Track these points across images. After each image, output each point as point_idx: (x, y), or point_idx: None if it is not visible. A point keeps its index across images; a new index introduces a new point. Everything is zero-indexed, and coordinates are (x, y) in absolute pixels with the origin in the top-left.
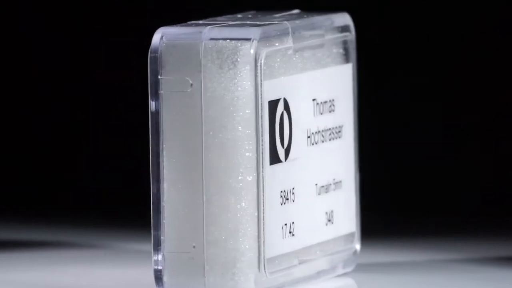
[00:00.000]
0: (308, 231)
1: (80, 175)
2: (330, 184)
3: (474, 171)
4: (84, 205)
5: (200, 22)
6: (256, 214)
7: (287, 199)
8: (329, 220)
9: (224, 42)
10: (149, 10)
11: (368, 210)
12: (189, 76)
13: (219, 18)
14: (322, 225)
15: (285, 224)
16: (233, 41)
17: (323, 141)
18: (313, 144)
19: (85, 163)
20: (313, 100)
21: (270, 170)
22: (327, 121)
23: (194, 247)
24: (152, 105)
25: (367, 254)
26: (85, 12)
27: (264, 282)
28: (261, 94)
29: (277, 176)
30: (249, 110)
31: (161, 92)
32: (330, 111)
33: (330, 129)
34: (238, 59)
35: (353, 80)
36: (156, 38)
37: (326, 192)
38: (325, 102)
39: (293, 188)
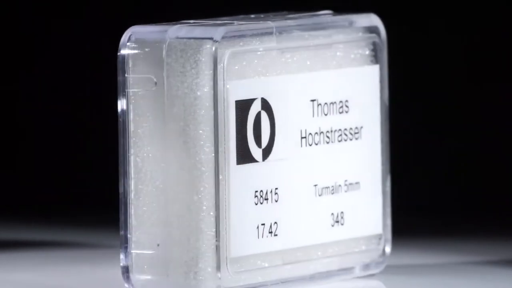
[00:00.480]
0: (302, 232)
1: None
2: (340, 186)
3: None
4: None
5: (182, 22)
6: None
7: (266, 199)
8: (337, 222)
9: (188, 41)
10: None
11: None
12: (154, 75)
13: (220, 18)
14: (325, 226)
15: (263, 224)
16: (197, 40)
17: (328, 142)
18: (311, 145)
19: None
20: (312, 100)
21: (237, 170)
22: (336, 122)
23: (158, 245)
24: (119, 104)
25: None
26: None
27: (230, 281)
28: (225, 94)
29: (249, 176)
30: (212, 110)
31: (128, 90)
32: (341, 112)
33: (340, 130)
34: (202, 58)
35: (381, 81)
36: (125, 37)
37: (333, 193)
38: (333, 103)
39: (276, 188)
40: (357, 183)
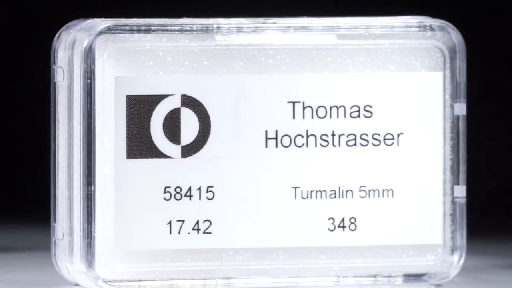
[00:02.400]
0: (267, 232)
1: None
2: (349, 191)
3: None
4: None
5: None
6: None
7: (189, 196)
8: (341, 227)
9: (80, 34)
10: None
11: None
12: (65, 67)
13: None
14: (317, 230)
15: (179, 221)
16: (83, 33)
17: (325, 146)
18: (287, 147)
19: None
20: (291, 102)
21: (131, 165)
22: (342, 126)
23: (63, 234)
24: (51, 95)
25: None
26: None
27: (124, 273)
28: (114, 88)
29: (151, 171)
30: (105, 104)
31: (54, 81)
32: (353, 117)
33: (351, 134)
34: (97, 52)
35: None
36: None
37: (332, 197)
38: (337, 106)
39: (211, 186)
40: (388, 190)
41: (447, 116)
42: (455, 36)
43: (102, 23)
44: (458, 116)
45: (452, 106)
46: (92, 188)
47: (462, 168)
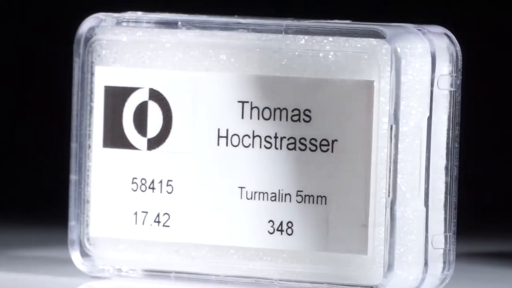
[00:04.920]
0: (215, 230)
1: None
2: (287, 195)
3: None
4: None
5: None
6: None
7: (152, 188)
8: (279, 230)
9: (82, 27)
10: None
11: None
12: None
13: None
14: (257, 232)
15: (144, 212)
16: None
17: (268, 147)
18: (235, 146)
19: None
20: (242, 102)
21: (102, 153)
22: (284, 129)
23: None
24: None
25: None
26: None
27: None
28: (95, 78)
29: (122, 162)
30: (80, 94)
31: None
32: (294, 120)
33: (293, 138)
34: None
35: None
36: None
37: (273, 200)
38: (280, 109)
39: (170, 180)
40: (321, 196)
41: (380, 125)
42: (393, 44)
43: (92, 16)
44: (391, 126)
45: (386, 115)
46: (76, 176)
47: (393, 179)
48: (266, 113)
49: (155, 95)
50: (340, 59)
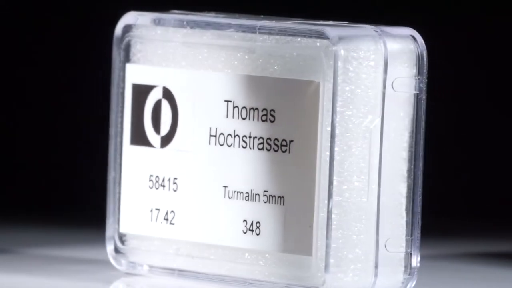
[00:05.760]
0: (207, 229)
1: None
2: (257, 194)
3: None
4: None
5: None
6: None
7: (162, 186)
8: (250, 230)
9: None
10: None
11: None
12: None
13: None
14: (235, 231)
15: (157, 209)
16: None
17: (245, 147)
18: (222, 145)
19: None
20: (227, 101)
21: (131, 151)
22: (256, 129)
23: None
24: None
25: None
26: None
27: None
28: (122, 77)
29: (142, 159)
30: (116, 91)
31: None
32: (263, 120)
33: (262, 138)
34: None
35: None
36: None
37: (246, 200)
38: (253, 108)
39: (175, 178)
40: (280, 197)
41: (325, 126)
42: (335, 45)
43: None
44: (334, 126)
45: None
46: (114, 173)
47: (336, 181)
48: (244, 113)
49: (167, 94)
50: (297, 60)
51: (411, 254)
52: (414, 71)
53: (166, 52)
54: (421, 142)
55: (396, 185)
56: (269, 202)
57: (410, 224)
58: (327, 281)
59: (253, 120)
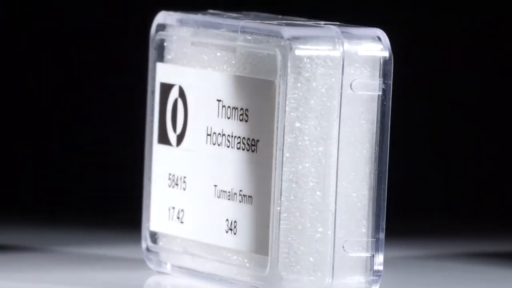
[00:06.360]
0: (202, 228)
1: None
2: (235, 194)
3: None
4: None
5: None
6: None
7: (177, 184)
8: (230, 229)
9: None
10: None
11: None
12: None
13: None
14: (220, 230)
15: (173, 208)
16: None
17: (228, 146)
18: (214, 144)
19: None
20: (218, 100)
21: (157, 149)
22: (236, 128)
23: None
24: None
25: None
26: None
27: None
28: (153, 75)
29: (165, 157)
30: (151, 90)
31: None
32: (240, 120)
33: (239, 137)
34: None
35: (279, 96)
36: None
37: (229, 199)
38: (235, 108)
39: (185, 177)
40: (249, 196)
41: (280, 126)
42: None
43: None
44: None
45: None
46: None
47: (291, 182)
48: (228, 112)
49: (181, 93)
50: (265, 60)
51: (372, 256)
52: (377, 72)
53: (182, 52)
54: (386, 143)
55: (357, 187)
56: (243, 201)
57: (374, 226)
58: (283, 282)
59: (234, 119)
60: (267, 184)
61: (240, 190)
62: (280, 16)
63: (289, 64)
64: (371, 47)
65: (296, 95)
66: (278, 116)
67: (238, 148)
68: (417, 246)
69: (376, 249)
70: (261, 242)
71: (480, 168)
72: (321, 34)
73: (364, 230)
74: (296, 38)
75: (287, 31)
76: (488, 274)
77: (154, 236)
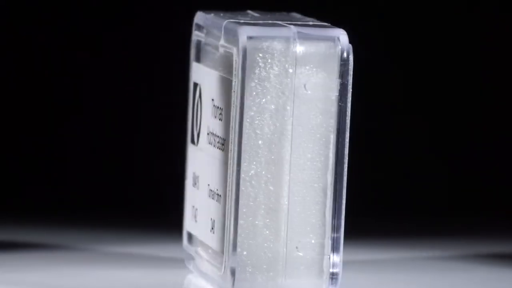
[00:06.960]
0: (203, 227)
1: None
2: (215, 193)
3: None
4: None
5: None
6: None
7: (195, 183)
8: (212, 228)
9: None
10: None
11: None
12: None
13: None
14: (207, 230)
15: (193, 207)
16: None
17: (214, 146)
18: (209, 144)
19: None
20: (212, 100)
21: (188, 148)
22: (217, 127)
23: None
24: None
25: None
26: None
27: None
28: (190, 74)
29: (192, 156)
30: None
31: None
32: (220, 119)
33: (218, 137)
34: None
35: (234, 95)
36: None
37: (213, 199)
38: (218, 107)
39: (198, 176)
40: (219, 195)
41: (235, 127)
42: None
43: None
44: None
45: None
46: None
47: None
48: (214, 112)
49: (200, 92)
50: (228, 58)
51: (330, 256)
52: (333, 73)
53: (203, 52)
54: (343, 144)
55: (313, 187)
56: (217, 201)
57: (331, 227)
58: (235, 283)
59: (215, 118)
60: (224, 184)
61: (217, 189)
62: (277, 14)
63: (243, 63)
64: (326, 47)
65: (249, 95)
66: (234, 115)
67: (217, 148)
68: (417, 247)
69: (332, 250)
70: (222, 242)
71: (480, 168)
72: (276, 34)
73: (319, 231)
74: (251, 38)
75: (243, 30)
76: (488, 274)
77: (191, 236)
